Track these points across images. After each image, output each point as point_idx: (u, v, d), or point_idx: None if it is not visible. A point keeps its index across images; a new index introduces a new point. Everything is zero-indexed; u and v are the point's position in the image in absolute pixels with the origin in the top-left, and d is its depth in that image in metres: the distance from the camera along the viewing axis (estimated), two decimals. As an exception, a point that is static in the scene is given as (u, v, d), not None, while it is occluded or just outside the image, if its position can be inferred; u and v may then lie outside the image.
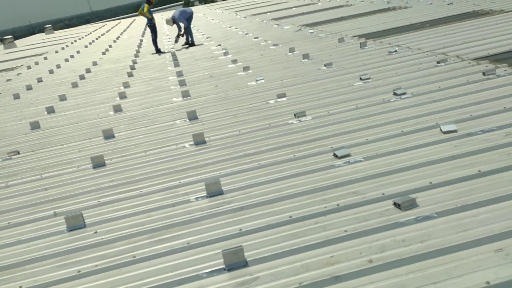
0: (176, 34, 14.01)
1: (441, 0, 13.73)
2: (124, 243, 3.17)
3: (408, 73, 6.39)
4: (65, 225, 3.47)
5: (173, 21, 13.13)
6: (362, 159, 3.88)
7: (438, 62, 6.56)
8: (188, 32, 13.49)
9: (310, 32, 11.86)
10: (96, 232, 3.38)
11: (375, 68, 7.00)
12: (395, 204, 3.10)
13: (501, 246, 2.52)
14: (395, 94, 5.51)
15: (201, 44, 13.55)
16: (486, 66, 5.97)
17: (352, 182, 3.53)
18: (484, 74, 5.59)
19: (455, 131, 4.13)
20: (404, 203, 3.05)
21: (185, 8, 14.12)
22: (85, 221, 3.53)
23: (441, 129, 4.19)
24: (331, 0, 21.41)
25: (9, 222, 3.76)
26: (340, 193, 3.39)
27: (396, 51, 7.85)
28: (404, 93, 5.46)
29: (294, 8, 20.47)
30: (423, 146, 3.95)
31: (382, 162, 3.77)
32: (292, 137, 4.68)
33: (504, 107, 4.45)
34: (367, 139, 4.30)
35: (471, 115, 4.41)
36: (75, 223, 3.44)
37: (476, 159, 3.54)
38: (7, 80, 12.99)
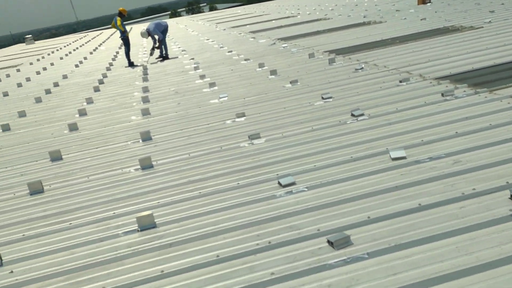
0: (151, 46, 13.84)
1: (415, 16, 13.77)
2: (38, 285, 2.92)
3: (369, 92, 6.27)
4: (-20, 264, 3.21)
5: (148, 33, 12.94)
6: (306, 189, 3.70)
7: (400, 81, 6.46)
8: (163, 44, 13.30)
9: (284, 47, 11.76)
10: (11, 271, 3.13)
11: (339, 86, 6.88)
12: (328, 242, 2.92)
13: (429, 294, 2.35)
14: (352, 115, 5.37)
15: (176, 57, 13.36)
16: (446, 86, 5.88)
17: (290, 215, 3.34)
18: (442, 95, 5.48)
19: (403, 157, 3.98)
20: (337, 241, 2.87)
21: (160, 21, 13.92)
22: (3, 258, 3.28)
23: (390, 156, 4.04)
24: (311, 13, 21.45)
25: None
26: (276, 227, 3.20)
27: (362, 68, 7.75)
28: (362, 114, 5.32)
29: (273, 21, 20.44)
30: (370, 174, 3.78)
31: (325, 193, 3.59)
32: (241, 162, 4.48)
33: (456, 132, 4.32)
34: (315, 165, 4.12)
35: (422, 140, 4.27)
36: (-9, 261, 3.19)
37: (419, 190, 3.38)
38: (-27, 94, 12.62)
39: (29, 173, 5.15)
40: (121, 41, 13.68)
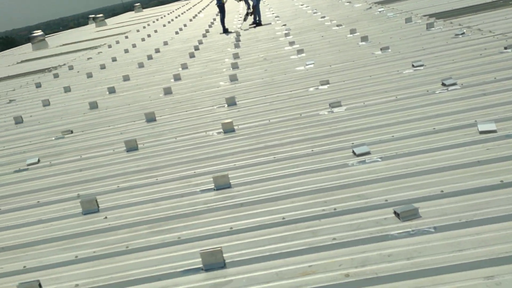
0: (245, 12, 14.06)
1: (537, -28, 12.12)
2: (126, 231, 3.31)
3: (467, 60, 5.80)
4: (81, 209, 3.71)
5: None
6: (379, 159, 3.63)
7: (505, 48, 5.86)
8: (256, 11, 13.41)
9: (379, 11, 11.20)
10: (106, 217, 3.57)
11: (433, 53, 6.45)
12: (395, 213, 2.88)
13: (494, 273, 2.24)
14: (443, 84, 5.04)
15: (269, 24, 13.43)
16: (559, 53, 5.22)
17: (360, 184, 3.33)
18: (552, 63, 4.89)
19: (493, 131, 3.70)
20: (403, 213, 2.82)
21: (255, -13, 13.96)
22: (100, 205, 3.74)
23: (478, 129, 3.77)
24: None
25: (38, 201, 4.11)
26: (344, 195, 3.22)
27: (463, 33, 7.14)
28: (454, 84, 4.98)
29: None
30: (451, 147, 3.59)
31: (399, 164, 3.50)
32: (318, 130, 4.51)
33: (560, 106, 3.87)
34: (393, 135, 4.01)
35: (517, 114, 3.91)
36: (89, 207, 3.67)
37: (504, 167, 3.14)
38: (88, 59, 14.01)
39: (127, 132, 5.70)
40: (217, 8, 14.06)
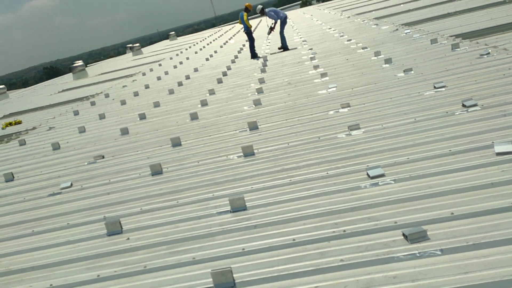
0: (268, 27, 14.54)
1: None
2: (145, 251, 3.47)
3: (489, 80, 5.75)
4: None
5: (263, 11, 13.62)
6: (392, 181, 3.66)
7: (529, 67, 5.78)
8: (281, 38, 13.69)
9: (406, 33, 11.21)
10: (128, 238, 3.75)
11: (456, 74, 6.42)
12: (403, 235, 2.91)
13: (498, 296, 2.24)
14: (463, 105, 5.02)
15: (295, 48, 13.65)
16: None
17: (372, 207, 3.37)
18: None
19: (510, 152, 3.66)
20: (412, 235, 2.85)
21: (280, 11, 14.24)
22: (123, 227, 3.93)
23: (494, 150, 3.74)
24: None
25: (68, 223, 4.35)
26: (354, 217, 3.27)
27: (488, 53, 7.08)
28: (474, 105, 4.95)
29: (402, 5, 19.39)
30: (466, 169, 3.58)
31: (411, 186, 3.52)
32: (335, 152, 4.58)
33: None
34: (408, 158, 4.03)
35: (535, 134, 3.86)
36: (113, 228, 3.87)
37: (517, 189, 3.12)
38: (123, 87, 14.64)
39: (153, 156, 5.94)
40: (246, 35, 14.45)
